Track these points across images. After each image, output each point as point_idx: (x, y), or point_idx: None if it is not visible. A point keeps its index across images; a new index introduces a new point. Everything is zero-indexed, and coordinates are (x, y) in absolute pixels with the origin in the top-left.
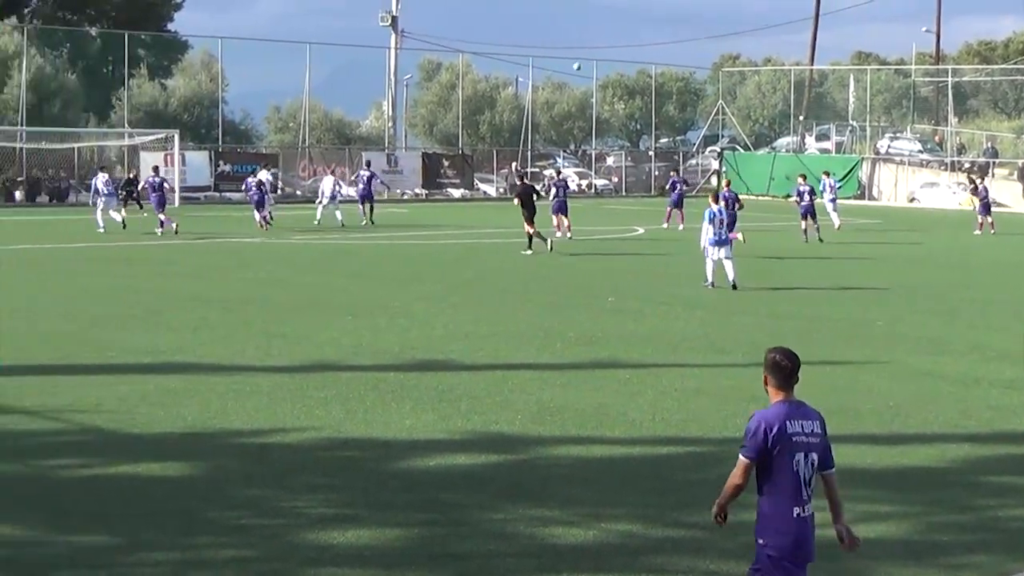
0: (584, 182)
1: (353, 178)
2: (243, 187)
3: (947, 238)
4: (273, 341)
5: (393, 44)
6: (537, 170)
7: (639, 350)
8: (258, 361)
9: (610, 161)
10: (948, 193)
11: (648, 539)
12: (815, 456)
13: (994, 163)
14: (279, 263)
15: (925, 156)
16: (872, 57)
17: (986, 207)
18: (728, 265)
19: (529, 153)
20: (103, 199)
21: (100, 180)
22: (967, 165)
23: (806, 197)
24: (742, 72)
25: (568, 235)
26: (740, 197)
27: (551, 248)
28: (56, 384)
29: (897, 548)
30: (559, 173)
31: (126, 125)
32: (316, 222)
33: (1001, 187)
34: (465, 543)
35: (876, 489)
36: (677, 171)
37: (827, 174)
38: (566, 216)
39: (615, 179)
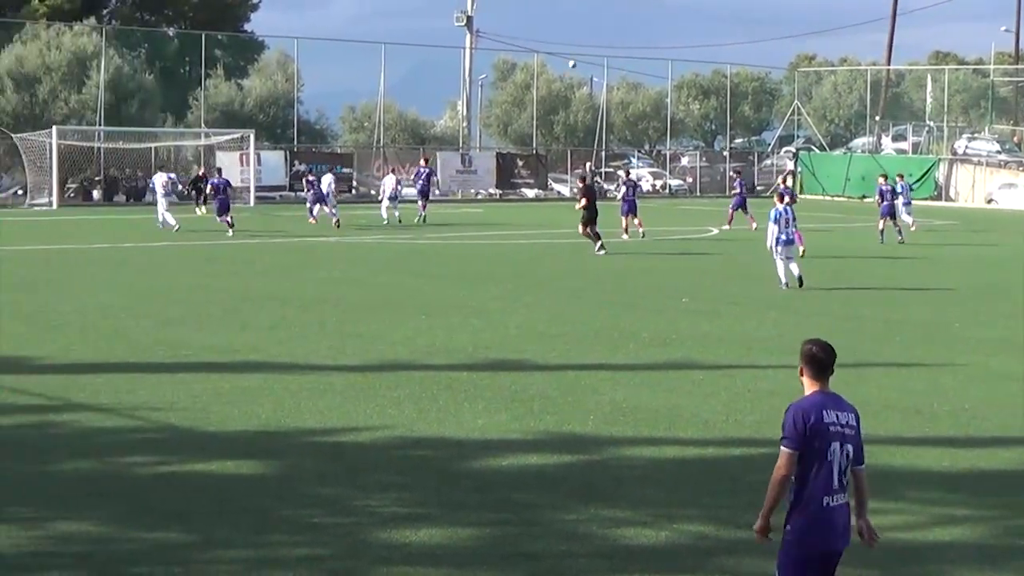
0: (658, 182)
1: (412, 176)
2: (304, 186)
3: None
4: (347, 340)
5: (468, 44)
6: (611, 170)
7: (713, 351)
8: (332, 360)
9: (685, 161)
10: None
11: (720, 541)
12: (850, 447)
13: None
14: (354, 262)
15: (1003, 157)
16: (950, 57)
17: None
18: (792, 265)
19: (603, 153)
20: (162, 198)
21: (159, 180)
22: None
23: (887, 197)
24: (818, 72)
25: (641, 231)
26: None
27: (600, 251)
28: (132, 382)
29: (972, 552)
30: (628, 174)
31: (202, 125)
32: (385, 221)
33: None
34: (537, 543)
35: (952, 492)
36: (739, 171)
37: (900, 176)
38: (636, 216)
39: (689, 179)
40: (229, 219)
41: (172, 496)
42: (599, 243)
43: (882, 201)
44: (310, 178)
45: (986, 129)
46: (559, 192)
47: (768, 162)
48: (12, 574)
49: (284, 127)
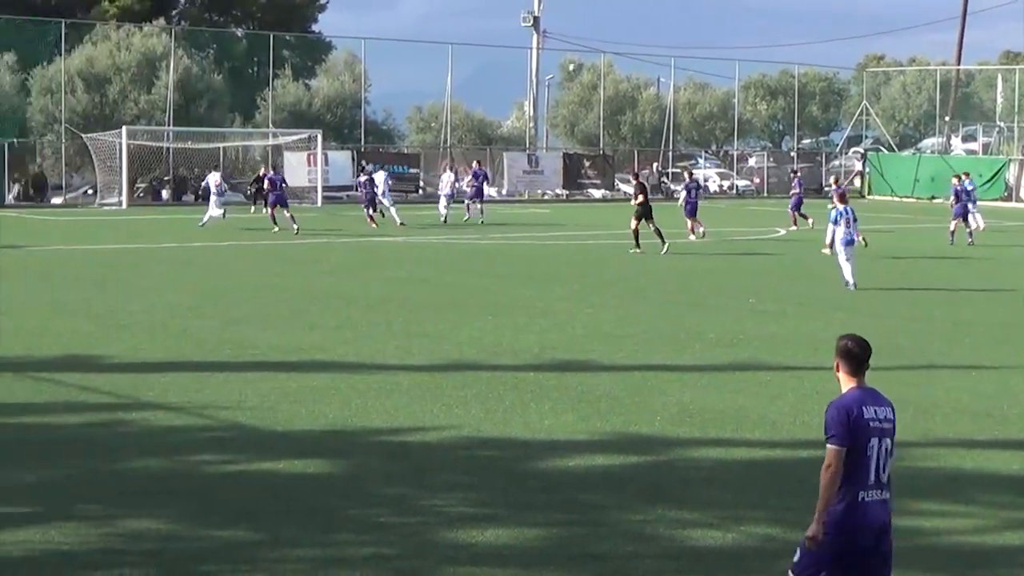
0: (725, 183)
1: (468, 178)
2: (355, 185)
3: None
4: (414, 340)
5: (535, 44)
6: (678, 171)
7: (780, 352)
8: (398, 360)
9: (752, 162)
10: None
11: (788, 543)
12: (889, 441)
13: None
14: (420, 262)
15: None
16: (1021, 56)
17: None
18: (848, 265)
19: (671, 154)
20: (214, 197)
21: (212, 180)
22: None
23: (962, 197)
24: (886, 72)
25: (702, 230)
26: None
27: (636, 252)
28: (200, 381)
29: None
30: (691, 174)
31: (270, 125)
32: (442, 219)
33: None
34: (604, 544)
35: (1022, 496)
36: (796, 171)
37: (966, 175)
38: (695, 217)
39: (757, 180)
40: (281, 215)
41: (240, 495)
42: (665, 246)
43: (956, 201)
44: (362, 178)
45: None
46: (626, 193)
47: (836, 163)
48: (82, 571)
49: (351, 127)
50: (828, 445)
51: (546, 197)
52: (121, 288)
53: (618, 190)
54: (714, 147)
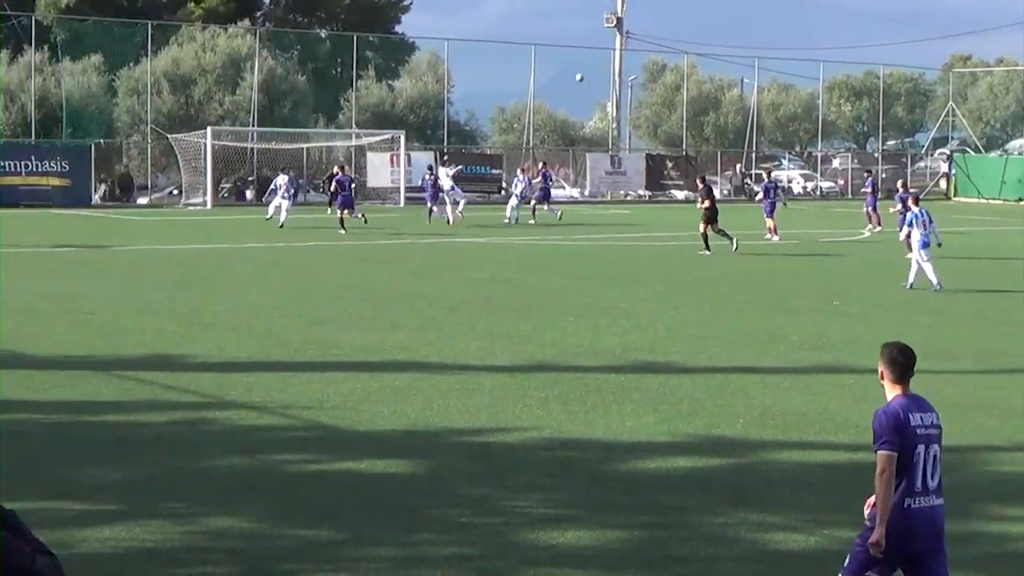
0: (809, 184)
1: (536, 179)
2: (420, 183)
3: None
4: (496, 341)
5: (618, 45)
6: (761, 172)
7: (864, 354)
8: (481, 360)
9: (836, 163)
10: None
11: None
12: (936, 448)
13: None
14: (503, 263)
15: None
16: None
17: None
18: (915, 267)
19: (754, 155)
20: (281, 198)
21: (281, 180)
22: None
23: None
24: (973, 73)
25: (775, 237)
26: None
27: (735, 249)
28: (283, 380)
29: None
30: (769, 175)
31: (353, 126)
32: (506, 221)
33: None
34: (685, 546)
35: None
36: (869, 171)
37: None
38: (771, 218)
39: (841, 182)
40: (349, 216)
41: (322, 494)
42: (734, 242)
43: None
44: (427, 177)
45: None
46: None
47: (921, 164)
48: (166, 568)
49: (434, 128)
50: (879, 452)
51: (628, 198)
52: (206, 288)
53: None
54: (798, 148)
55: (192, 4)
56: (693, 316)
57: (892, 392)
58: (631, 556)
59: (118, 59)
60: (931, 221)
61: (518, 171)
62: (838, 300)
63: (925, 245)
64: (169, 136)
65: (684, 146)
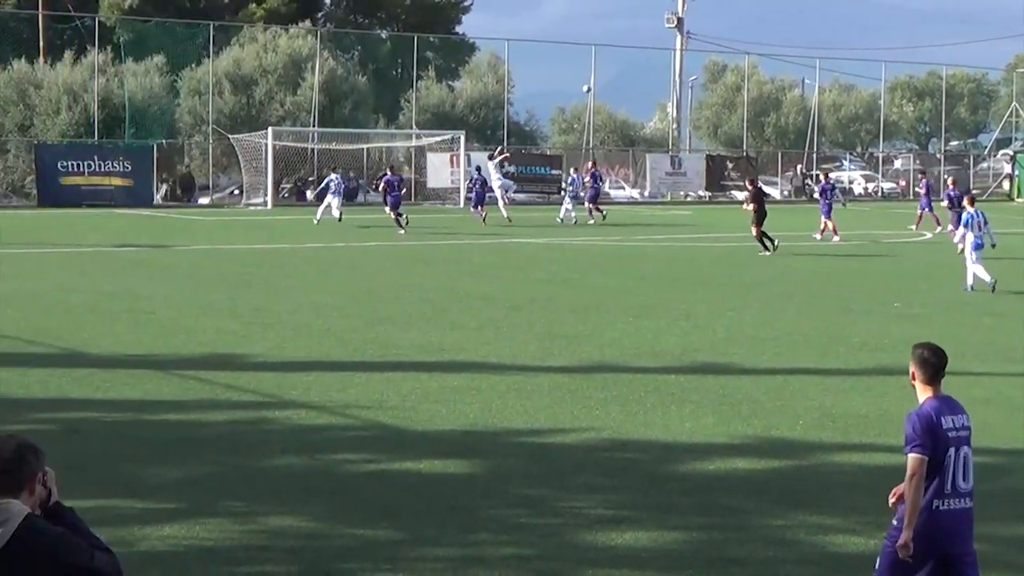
0: (870, 185)
1: (586, 179)
2: (468, 182)
3: None
4: (555, 341)
5: (678, 46)
6: (827, 173)
7: None
8: (539, 361)
9: (897, 164)
10: None
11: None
12: (966, 450)
13: None
14: (562, 264)
15: None
16: None
17: None
18: (971, 268)
19: (815, 156)
20: (332, 196)
21: (333, 179)
22: None
23: None
24: None
25: (836, 239)
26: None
27: (775, 249)
28: (343, 380)
29: None
30: (827, 177)
31: (413, 126)
32: (559, 220)
33: None
34: (744, 548)
35: None
36: (923, 172)
37: None
38: (829, 219)
39: (902, 183)
40: (398, 216)
41: (381, 494)
42: (774, 244)
43: None
44: (474, 175)
45: None
46: (769, 195)
47: (984, 165)
48: (225, 567)
49: (494, 128)
50: (910, 455)
51: (688, 199)
52: (266, 288)
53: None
54: (859, 149)
55: (254, 5)
56: (753, 317)
57: (923, 394)
58: (689, 557)
59: (180, 60)
60: (986, 223)
61: (571, 171)
62: (899, 302)
63: (978, 247)
64: (230, 136)
65: (744, 147)
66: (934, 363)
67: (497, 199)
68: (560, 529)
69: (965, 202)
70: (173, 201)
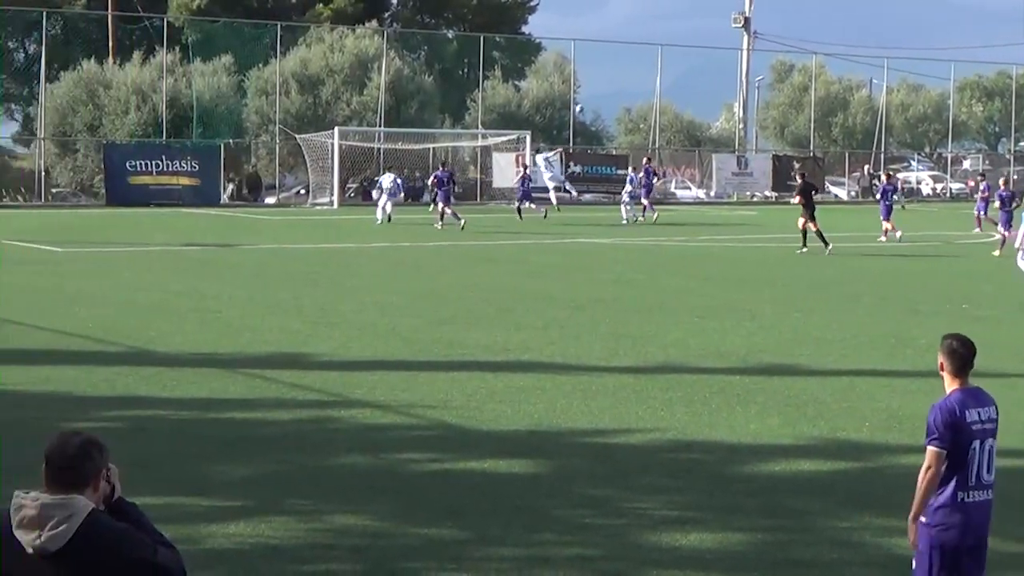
0: (939, 186)
1: (640, 175)
2: (516, 179)
3: None
4: (620, 341)
5: (745, 45)
6: (890, 174)
7: (993, 359)
8: (604, 361)
9: (966, 165)
10: None
11: (1001, 553)
12: (992, 442)
13: None
14: (628, 264)
15: None
16: None
17: None
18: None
19: (882, 156)
20: (386, 196)
21: (386, 179)
22: None
23: None
24: None
25: (897, 235)
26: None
27: (829, 250)
28: (407, 380)
29: None
30: (889, 177)
31: (479, 126)
32: (623, 220)
33: None
34: (809, 550)
35: None
36: (983, 174)
37: None
38: (888, 220)
39: (971, 183)
40: (446, 212)
41: (445, 493)
42: (801, 248)
43: None
44: (526, 173)
45: None
46: (836, 195)
47: None
48: (290, 565)
49: (560, 128)
50: (929, 447)
51: (754, 199)
52: (331, 287)
53: (828, 192)
54: (927, 149)
55: (321, 5)
56: (819, 318)
57: (951, 385)
58: (753, 559)
59: (248, 60)
60: None
61: (629, 169)
62: (967, 303)
63: None
64: (297, 136)
65: (811, 147)
66: (963, 354)
67: (550, 192)
68: (624, 530)
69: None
70: (240, 200)
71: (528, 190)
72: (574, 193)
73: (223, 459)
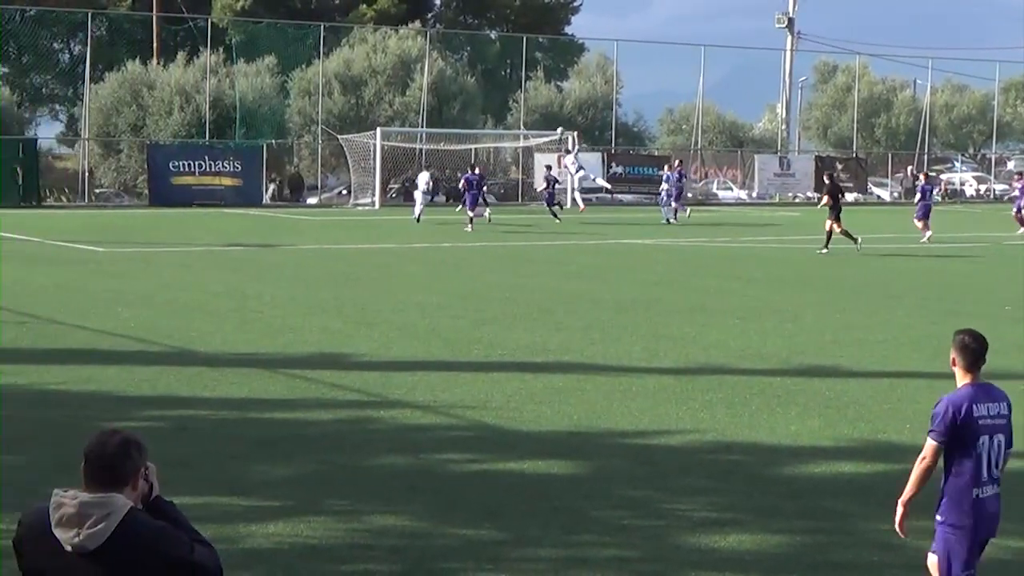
0: (983, 187)
1: (670, 177)
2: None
3: None
4: (660, 342)
5: (789, 46)
6: (934, 174)
7: None
8: (645, 362)
9: (1011, 166)
10: None
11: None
12: (1001, 437)
13: None
14: (669, 265)
15: None
16: None
17: None
18: None
19: (926, 157)
20: (421, 195)
21: (422, 179)
22: None
23: None
24: None
25: (927, 236)
26: None
27: (859, 247)
28: (447, 380)
29: None
30: (927, 177)
31: (521, 127)
32: (663, 221)
33: None
34: (848, 552)
35: None
36: (1021, 173)
37: None
38: (926, 220)
39: (1015, 184)
40: (474, 215)
41: (484, 494)
42: (824, 249)
43: None
44: (551, 174)
45: None
46: (879, 196)
47: None
48: (328, 565)
49: (602, 129)
50: (928, 439)
51: (797, 200)
52: (372, 287)
53: (871, 193)
54: (971, 150)
55: (364, 6)
56: (860, 320)
57: (962, 380)
58: (793, 561)
59: (291, 60)
60: None
61: (665, 168)
62: (1009, 305)
63: None
64: (339, 137)
65: (854, 148)
66: (975, 349)
67: (577, 191)
68: (663, 531)
69: None
70: (282, 201)
71: (553, 192)
72: (606, 186)
73: (263, 459)
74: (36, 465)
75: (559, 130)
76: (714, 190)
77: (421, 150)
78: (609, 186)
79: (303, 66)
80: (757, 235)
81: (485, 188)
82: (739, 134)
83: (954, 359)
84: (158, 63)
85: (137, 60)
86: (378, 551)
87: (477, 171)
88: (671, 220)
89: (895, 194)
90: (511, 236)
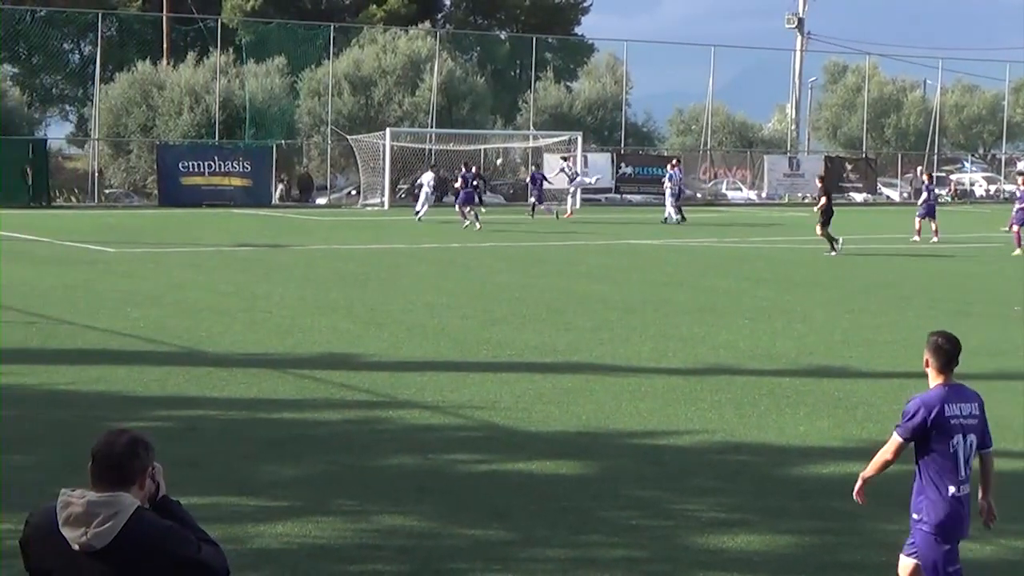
0: (992, 187)
1: (673, 175)
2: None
3: None
4: (669, 343)
5: (798, 46)
6: (943, 175)
7: None
8: (654, 362)
9: (1020, 166)
10: None
11: None
12: (973, 437)
13: None
14: (679, 265)
15: None
16: None
17: None
18: None
19: (935, 157)
20: (424, 194)
21: (426, 179)
22: None
23: None
24: None
25: (915, 238)
26: None
27: (832, 253)
28: (456, 380)
29: None
30: (930, 178)
31: (531, 127)
32: (667, 219)
33: None
34: (857, 553)
35: None
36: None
37: None
38: (933, 220)
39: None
40: (467, 212)
41: (492, 494)
42: (836, 244)
43: None
44: (535, 174)
45: None
46: (888, 197)
47: None
48: (337, 565)
49: (612, 129)
50: (895, 433)
51: (806, 200)
52: (381, 287)
53: (880, 194)
54: (981, 151)
55: (374, 6)
56: (870, 320)
57: (935, 380)
58: (801, 562)
59: (300, 61)
60: None
61: (668, 167)
62: (1019, 306)
63: None
64: (348, 137)
65: (864, 148)
66: (948, 350)
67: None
68: (671, 531)
69: None
70: (290, 201)
71: (540, 192)
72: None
73: (272, 459)
74: (45, 465)
75: (568, 136)
76: (723, 190)
77: (430, 150)
78: (592, 181)
79: (313, 66)
80: (766, 236)
81: (479, 186)
82: (748, 134)
83: (927, 360)
84: (168, 63)
85: (147, 60)
86: (386, 551)
87: (472, 169)
88: (674, 219)
89: (905, 194)
90: (519, 236)
